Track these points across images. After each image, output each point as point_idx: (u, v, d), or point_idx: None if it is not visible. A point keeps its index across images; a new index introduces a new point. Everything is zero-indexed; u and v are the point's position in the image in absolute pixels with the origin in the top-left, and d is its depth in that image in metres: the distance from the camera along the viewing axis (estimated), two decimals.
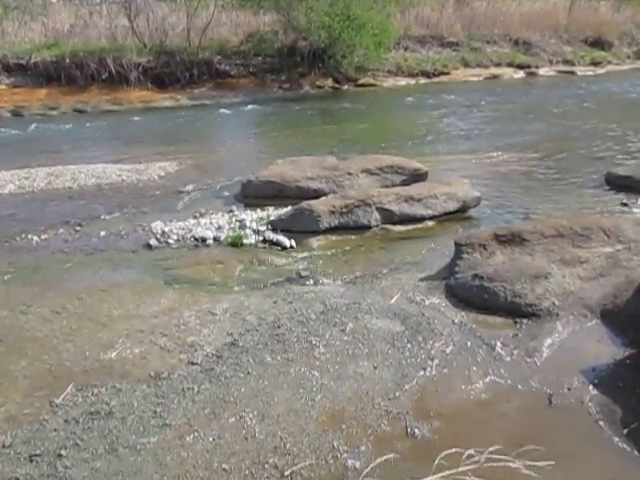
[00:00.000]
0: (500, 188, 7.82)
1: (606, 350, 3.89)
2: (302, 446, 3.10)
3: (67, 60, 17.52)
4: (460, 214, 6.80)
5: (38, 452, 3.08)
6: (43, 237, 6.35)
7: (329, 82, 19.76)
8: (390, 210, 6.52)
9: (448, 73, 21.39)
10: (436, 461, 2.67)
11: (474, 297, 4.53)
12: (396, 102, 16.46)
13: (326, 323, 4.23)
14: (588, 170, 8.56)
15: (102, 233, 6.47)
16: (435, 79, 20.71)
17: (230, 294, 4.82)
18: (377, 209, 6.49)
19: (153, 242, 6.12)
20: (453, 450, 2.69)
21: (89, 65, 17.54)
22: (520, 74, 22.21)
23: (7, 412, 3.34)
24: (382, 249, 5.85)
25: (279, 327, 4.20)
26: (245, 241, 6.05)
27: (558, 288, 4.45)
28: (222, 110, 15.69)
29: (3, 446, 3.12)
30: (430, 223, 6.58)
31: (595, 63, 23.49)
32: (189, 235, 6.25)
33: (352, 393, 3.53)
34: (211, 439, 3.16)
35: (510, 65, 22.67)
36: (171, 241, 6.17)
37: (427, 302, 4.56)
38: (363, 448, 3.07)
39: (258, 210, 7.02)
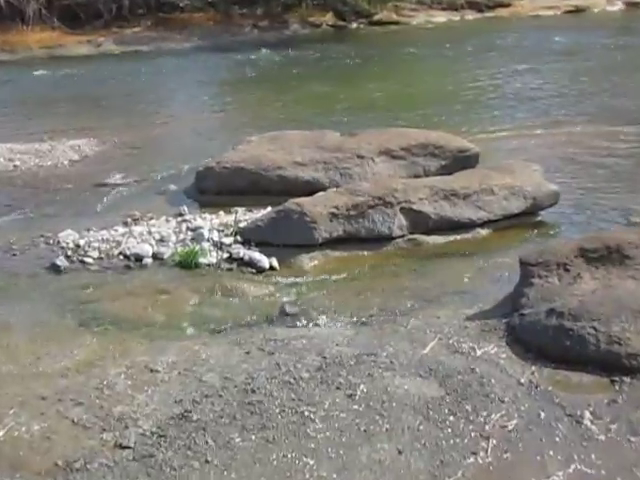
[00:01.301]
0: (588, 178, 7.82)
1: None
2: None
3: None
4: (528, 218, 6.86)
5: None
6: None
7: (329, 18, 19.88)
8: (422, 212, 6.56)
9: (508, 5, 21.55)
10: None
11: (550, 344, 4.55)
12: (430, 48, 16.53)
13: (325, 385, 4.24)
14: None
15: None
16: (489, 13, 20.83)
17: (179, 341, 4.86)
18: (403, 211, 6.53)
19: (62, 261, 6.14)
20: None
21: None
22: (617, 5, 22.38)
23: None
24: (410, 272, 5.91)
25: (254, 391, 4.21)
26: (202, 260, 6.10)
27: None
28: (167, 60, 15.77)
29: None
30: (483, 232, 6.64)
31: None
32: (117, 251, 6.32)
33: None
34: None
35: None
36: (89, 260, 6.21)
37: (479, 352, 4.59)
38: None
39: (221, 213, 7.03)
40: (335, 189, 6.93)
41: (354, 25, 19.84)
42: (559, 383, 4.30)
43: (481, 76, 13.10)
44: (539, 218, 6.94)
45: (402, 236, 6.49)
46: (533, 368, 4.42)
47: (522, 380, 4.31)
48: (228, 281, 5.77)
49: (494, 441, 3.84)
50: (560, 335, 4.53)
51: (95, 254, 6.27)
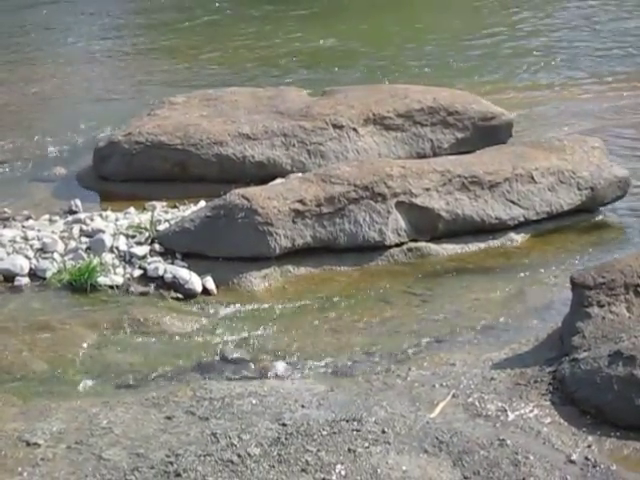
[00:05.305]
0: None
1: None
2: None
3: None
4: (584, 217, 6.53)
5: None
6: None
7: None
8: (429, 209, 6.18)
9: None
10: None
11: (615, 403, 4.23)
12: None
13: (285, 465, 3.87)
14: None
15: None
16: None
17: (68, 400, 4.49)
18: (400, 207, 6.14)
19: None
20: None
21: None
22: None
23: None
24: (412, 297, 5.64)
25: (178, 475, 3.81)
26: (102, 280, 5.71)
27: None
28: None
29: None
30: (518, 237, 6.31)
31: None
32: None
33: None
34: None
35: None
36: None
37: (511, 415, 4.28)
38: None
39: (131, 209, 6.57)
40: (300, 175, 6.51)
41: None
42: (628, 460, 4.00)
43: (511, 12, 12.43)
44: (600, 217, 6.55)
45: (400, 244, 6.09)
46: (590, 439, 4.13)
47: (574, 457, 3.99)
48: (141, 311, 5.39)
49: None
50: (629, 390, 4.25)
51: None
